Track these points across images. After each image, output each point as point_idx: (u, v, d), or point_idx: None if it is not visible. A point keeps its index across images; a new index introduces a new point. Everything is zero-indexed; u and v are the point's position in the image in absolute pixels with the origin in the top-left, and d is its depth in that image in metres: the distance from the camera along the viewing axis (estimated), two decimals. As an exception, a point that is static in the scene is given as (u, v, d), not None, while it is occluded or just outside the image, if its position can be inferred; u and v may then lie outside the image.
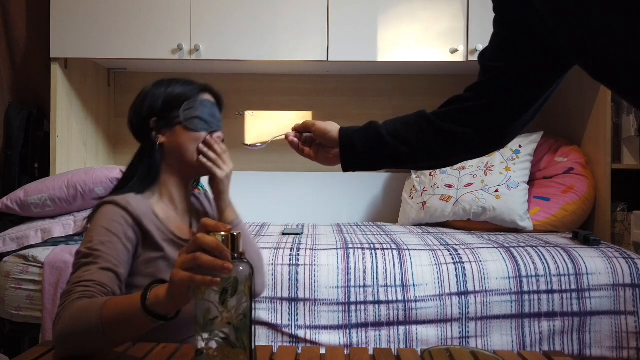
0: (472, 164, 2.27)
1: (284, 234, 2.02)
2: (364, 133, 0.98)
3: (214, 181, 1.14)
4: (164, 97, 1.10)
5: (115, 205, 0.98)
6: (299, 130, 1.05)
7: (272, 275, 1.61)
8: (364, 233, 2.06)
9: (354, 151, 0.98)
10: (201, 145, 1.10)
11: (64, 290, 0.86)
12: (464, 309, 1.58)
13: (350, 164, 1.00)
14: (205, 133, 1.11)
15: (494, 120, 0.93)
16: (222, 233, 0.67)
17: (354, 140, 0.98)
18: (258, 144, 1.11)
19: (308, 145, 1.04)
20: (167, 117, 1.10)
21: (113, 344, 0.78)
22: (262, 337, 1.57)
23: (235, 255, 0.67)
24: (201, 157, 1.10)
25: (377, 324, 1.58)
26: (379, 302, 1.58)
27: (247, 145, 1.11)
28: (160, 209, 1.08)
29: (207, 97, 1.15)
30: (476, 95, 0.93)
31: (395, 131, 0.97)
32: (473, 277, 1.60)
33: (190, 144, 1.09)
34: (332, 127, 1.00)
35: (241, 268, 0.67)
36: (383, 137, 0.96)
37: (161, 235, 1.03)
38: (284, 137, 1.05)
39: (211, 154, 1.11)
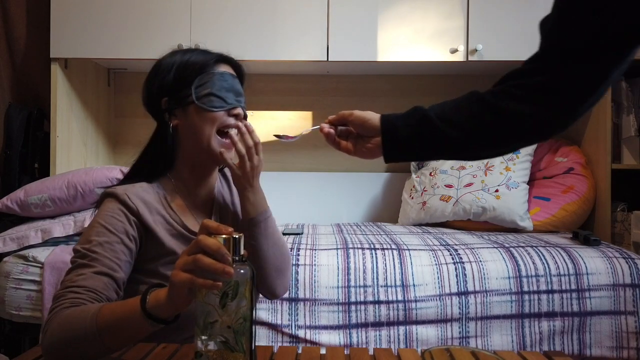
0: (472, 164, 2.27)
1: (284, 234, 2.02)
2: (409, 118, 0.88)
3: (232, 176, 1.01)
4: (174, 72, 0.98)
5: (114, 199, 0.92)
6: (334, 122, 0.95)
7: (272, 275, 1.61)
8: (364, 233, 2.06)
9: (398, 138, 0.88)
10: (232, 133, 0.97)
11: (55, 294, 0.83)
12: (464, 309, 1.58)
13: (393, 153, 0.89)
14: (224, 113, 0.98)
15: (558, 97, 0.80)
16: (224, 235, 0.66)
17: (398, 126, 0.88)
18: (291, 136, 1.00)
19: (343, 139, 0.94)
20: (178, 95, 0.98)
21: (109, 350, 0.75)
22: (262, 337, 1.57)
23: (237, 258, 0.66)
24: (223, 150, 0.97)
25: (377, 324, 1.58)
26: (379, 302, 1.58)
27: (277, 136, 1.01)
28: (175, 199, 1.00)
29: (224, 68, 1.01)
30: (537, 67, 0.82)
31: (444, 114, 0.86)
32: (473, 277, 1.60)
33: (206, 126, 0.97)
34: (372, 115, 0.90)
35: (242, 271, 0.66)
36: (431, 121, 0.86)
37: (169, 230, 0.96)
38: (318, 129, 0.95)
39: (239, 147, 0.97)
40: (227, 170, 1.14)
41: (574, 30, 0.78)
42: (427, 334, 1.57)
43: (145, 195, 0.95)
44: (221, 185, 1.11)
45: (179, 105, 0.98)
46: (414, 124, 0.87)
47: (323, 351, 0.84)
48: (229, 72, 1.01)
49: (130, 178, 1.01)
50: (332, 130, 0.93)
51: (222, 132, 0.99)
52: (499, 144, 0.87)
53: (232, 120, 0.99)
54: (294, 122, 2.64)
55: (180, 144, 1.00)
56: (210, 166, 1.03)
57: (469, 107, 0.86)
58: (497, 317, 1.59)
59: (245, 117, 1.03)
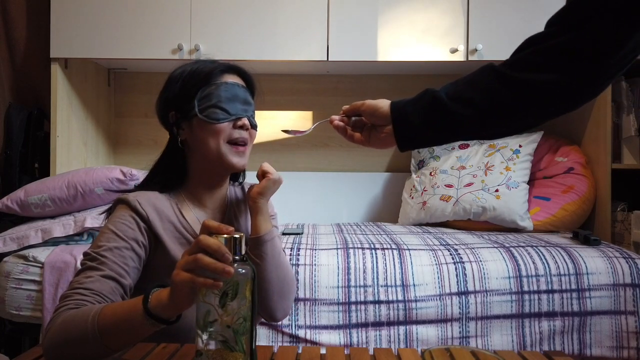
0: (472, 164, 2.27)
1: (284, 234, 2.02)
2: (419, 102, 0.83)
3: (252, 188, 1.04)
4: (180, 84, 0.98)
5: (126, 206, 0.93)
6: (348, 113, 0.91)
7: (273, 275, 1.61)
8: (364, 233, 2.06)
9: (409, 125, 0.83)
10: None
11: (63, 294, 0.83)
12: (464, 308, 1.58)
13: (406, 140, 0.85)
14: (228, 124, 0.97)
15: (584, 57, 0.71)
16: (225, 235, 0.66)
17: (408, 112, 0.83)
18: (300, 130, 0.99)
19: (358, 130, 0.91)
20: (184, 109, 0.97)
21: (109, 351, 0.75)
22: (262, 337, 1.57)
23: (237, 257, 0.66)
24: (236, 160, 0.99)
25: (377, 324, 1.58)
26: (379, 302, 1.58)
27: (286, 131, 0.99)
28: (186, 209, 1.00)
29: (229, 78, 0.99)
30: (560, 28, 0.74)
31: (457, 93, 0.81)
32: (473, 277, 1.60)
33: (211, 139, 0.96)
34: (383, 103, 0.86)
35: (242, 271, 0.66)
36: (442, 103, 0.80)
37: (178, 238, 0.96)
38: (328, 122, 0.93)
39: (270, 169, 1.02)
40: (245, 185, 1.13)
41: None
42: (427, 334, 1.57)
43: (157, 202, 0.96)
44: (235, 198, 1.10)
45: (184, 119, 0.98)
46: (424, 107, 0.83)
47: (323, 351, 0.84)
48: (235, 82, 0.99)
49: (144, 186, 1.02)
50: (341, 123, 0.91)
51: (232, 141, 0.99)
52: (517, 118, 0.80)
53: (236, 134, 0.98)
54: (294, 122, 2.64)
55: (190, 158, 1.01)
56: (221, 177, 1.03)
57: (483, 82, 0.80)
58: (497, 317, 1.59)
59: (254, 127, 1.02)
